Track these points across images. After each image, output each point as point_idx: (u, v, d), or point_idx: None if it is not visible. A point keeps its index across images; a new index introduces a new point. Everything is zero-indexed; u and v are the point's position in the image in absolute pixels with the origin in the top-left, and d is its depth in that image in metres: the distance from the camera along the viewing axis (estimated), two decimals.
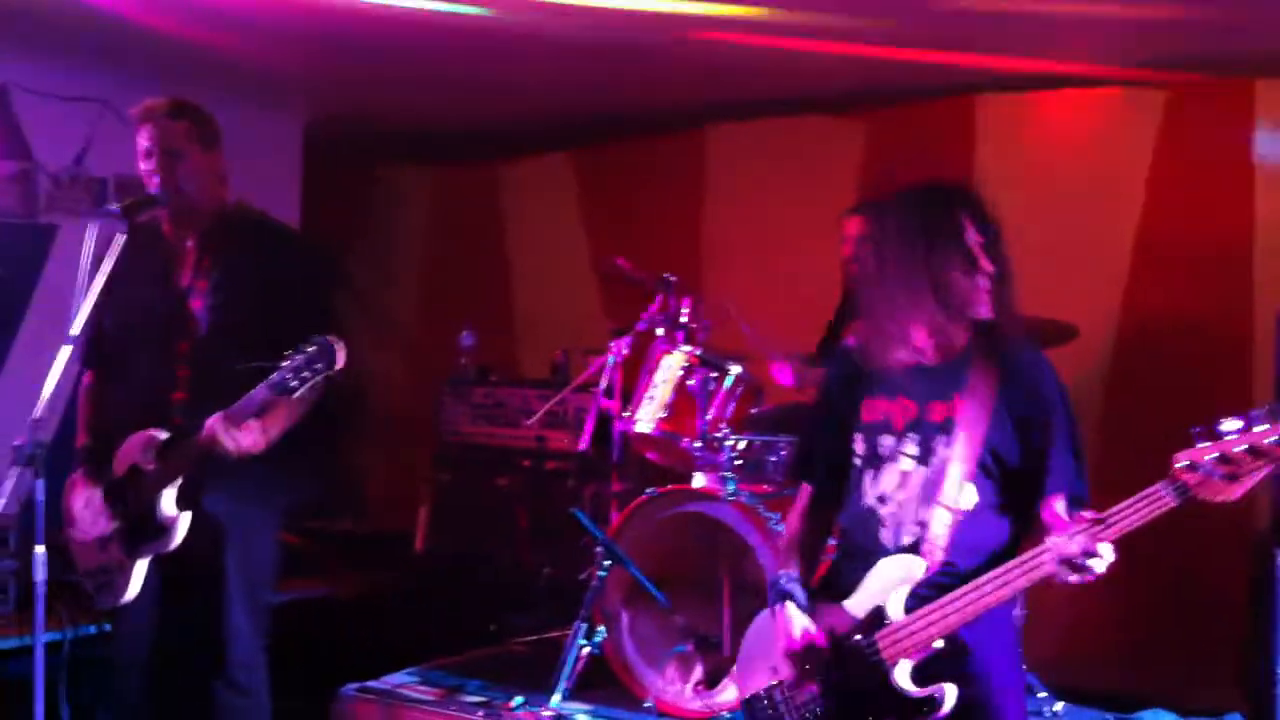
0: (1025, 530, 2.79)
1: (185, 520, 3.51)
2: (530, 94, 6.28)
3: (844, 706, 2.73)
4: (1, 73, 5.67)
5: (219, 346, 3.55)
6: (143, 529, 3.53)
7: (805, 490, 3.09)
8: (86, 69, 5.87)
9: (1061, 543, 2.50)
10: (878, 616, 2.69)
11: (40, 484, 3.11)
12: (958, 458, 2.71)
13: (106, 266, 3.38)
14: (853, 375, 2.94)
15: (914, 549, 2.72)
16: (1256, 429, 2.31)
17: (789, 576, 2.91)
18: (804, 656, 2.78)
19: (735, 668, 3.07)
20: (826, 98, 6.05)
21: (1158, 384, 5.15)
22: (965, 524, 2.71)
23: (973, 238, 2.73)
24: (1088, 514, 2.50)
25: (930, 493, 2.74)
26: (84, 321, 3.34)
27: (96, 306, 3.48)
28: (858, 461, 2.87)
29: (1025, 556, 2.57)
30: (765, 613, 2.94)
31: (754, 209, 6.39)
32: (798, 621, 2.80)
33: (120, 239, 3.42)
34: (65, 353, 3.26)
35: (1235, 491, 2.35)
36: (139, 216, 3.52)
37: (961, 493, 2.70)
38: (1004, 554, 2.72)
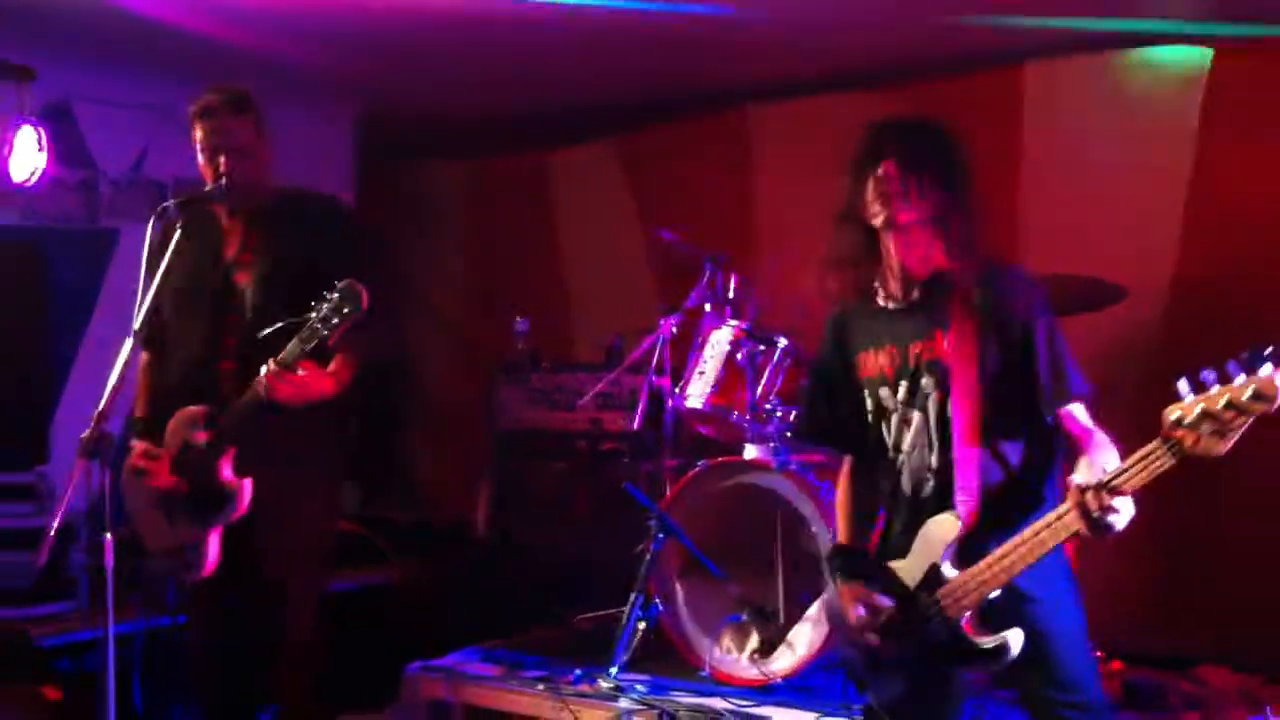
0: (1053, 447, 2.77)
1: (249, 486, 3.57)
2: (575, 81, 6.32)
3: (921, 662, 2.76)
4: (62, 84, 5.79)
5: (266, 316, 3.58)
6: (207, 501, 3.59)
7: (846, 459, 3.14)
8: (142, 76, 5.98)
9: (1079, 508, 2.44)
10: (935, 575, 2.72)
11: (107, 475, 3.17)
12: (958, 398, 2.71)
13: (163, 261, 3.48)
14: (843, 334, 2.99)
15: (946, 502, 2.73)
16: (1235, 383, 2.21)
17: (838, 551, 2.96)
18: (875, 622, 2.81)
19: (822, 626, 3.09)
20: (869, 73, 6.03)
21: (1212, 341, 5.05)
22: (988, 465, 2.72)
23: None
24: (1092, 479, 2.44)
25: (938, 438, 2.76)
26: (142, 311, 3.42)
27: (155, 293, 3.57)
28: (870, 417, 2.92)
29: (1051, 518, 2.53)
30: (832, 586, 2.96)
31: (802, 187, 6.34)
32: (853, 596, 2.84)
33: (177, 234, 3.52)
34: (128, 347, 3.35)
35: (1222, 448, 2.25)
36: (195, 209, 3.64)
37: (974, 435, 2.69)
38: (1038, 478, 2.74)
